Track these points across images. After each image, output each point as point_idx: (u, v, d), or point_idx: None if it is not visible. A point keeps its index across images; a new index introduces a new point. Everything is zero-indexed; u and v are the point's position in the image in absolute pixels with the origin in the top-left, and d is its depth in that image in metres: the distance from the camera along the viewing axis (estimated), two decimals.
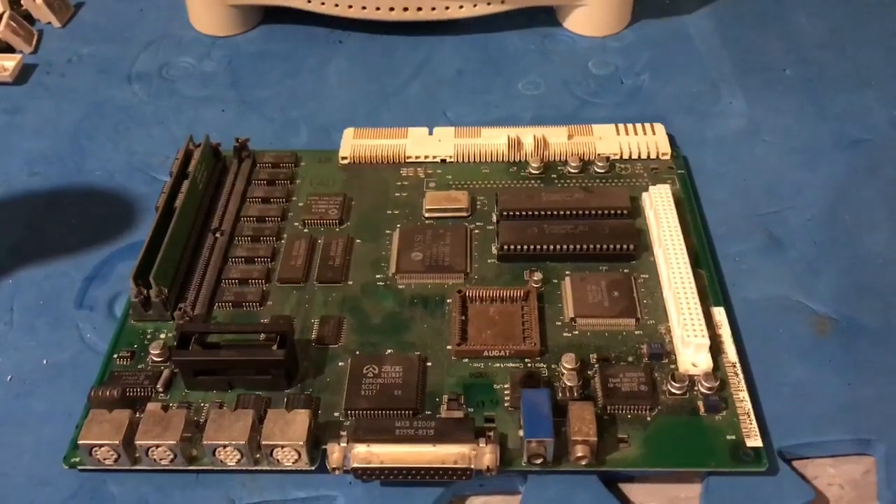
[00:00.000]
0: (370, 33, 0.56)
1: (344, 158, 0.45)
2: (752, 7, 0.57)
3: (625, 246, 0.39)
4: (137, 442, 0.32)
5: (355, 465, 0.31)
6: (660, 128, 0.45)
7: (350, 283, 0.39)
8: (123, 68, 0.54)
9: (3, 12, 0.55)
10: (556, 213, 0.40)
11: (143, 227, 0.43)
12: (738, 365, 0.35)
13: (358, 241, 0.41)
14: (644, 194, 0.42)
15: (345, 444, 0.31)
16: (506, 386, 0.34)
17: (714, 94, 0.50)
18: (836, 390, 0.35)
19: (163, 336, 0.37)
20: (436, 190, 0.43)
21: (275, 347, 0.34)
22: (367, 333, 0.37)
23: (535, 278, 0.38)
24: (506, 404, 0.34)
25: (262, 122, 0.49)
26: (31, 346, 0.38)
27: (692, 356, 0.35)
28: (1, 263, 0.42)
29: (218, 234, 0.41)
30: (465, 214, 0.42)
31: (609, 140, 0.45)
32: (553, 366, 0.35)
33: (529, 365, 0.35)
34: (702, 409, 0.33)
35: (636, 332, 0.36)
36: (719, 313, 0.37)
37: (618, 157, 0.44)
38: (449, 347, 0.36)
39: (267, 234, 0.41)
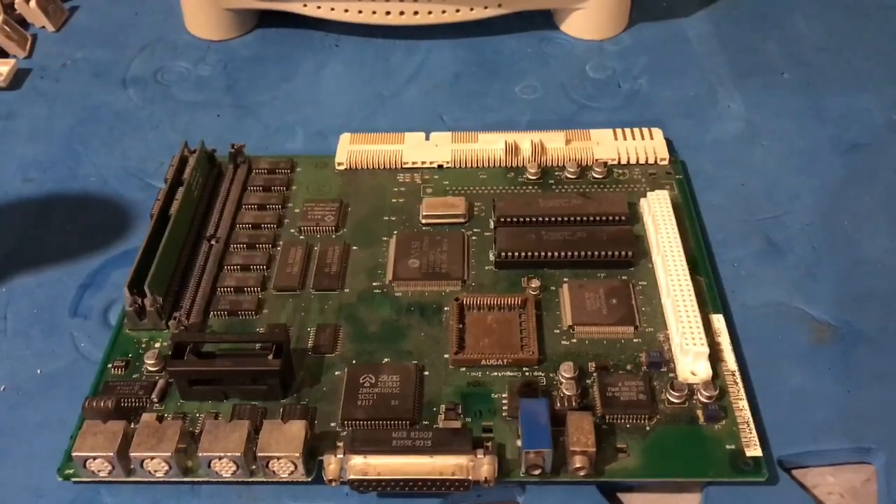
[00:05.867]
0: (366, 37, 0.56)
1: (340, 164, 0.45)
2: (750, 10, 0.57)
3: (623, 252, 0.39)
4: (132, 454, 0.31)
5: (352, 476, 0.31)
6: (658, 133, 0.45)
7: (346, 290, 0.39)
8: (118, 73, 0.53)
9: None
10: (553, 219, 0.40)
11: (137, 234, 0.43)
12: (737, 373, 0.35)
13: (354, 247, 0.41)
14: (642, 200, 0.42)
15: (341, 456, 0.31)
16: (504, 395, 0.34)
17: (712, 98, 0.50)
18: (836, 398, 0.35)
19: (158, 345, 0.36)
20: (433, 196, 0.43)
21: (270, 357, 0.34)
22: (363, 342, 0.37)
23: (533, 285, 0.38)
24: (504, 414, 0.34)
25: (257, 127, 0.49)
26: (24, 356, 0.38)
27: (691, 364, 0.35)
28: None
29: (213, 242, 0.40)
30: (462, 221, 0.42)
31: (607, 145, 0.44)
32: (551, 374, 0.35)
33: (527, 374, 0.35)
34: (701, 419, 0.33)
35: (634, 340, 0.36)
36: (718, 321, 0.37)
37: (615, 162, 0.44)
38: (446, 356, 0.36)
39: (263, 242, 0.41)
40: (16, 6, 0.56)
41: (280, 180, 0.44)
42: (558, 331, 0.37)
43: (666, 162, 0.44)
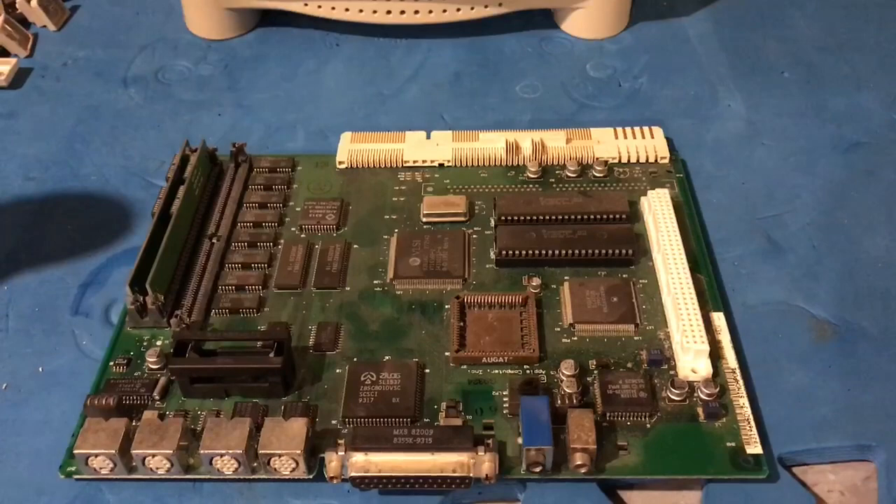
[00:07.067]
0: (367, 36, 0.56)
1: (341, 163, 0.45)
2: (750, 9, 0.57)
3: (623, 251, 0.39)
4: (134, 451, 0.31)
5: (353, 473, 0.31)
6: (658, 131, 0.45)
7: (348, 289, 0.39)
8: (119, 72, 0.53)
9: None
10: (554, 217, 0.40)
11: (139, 233, 0.43)
12: (737, 371, 0.35)
13: (355, 246, 0.41)
14: (643, 198, 0.42)
15: (343, 453, 0.31)
16: (504, 393, 0.34)
17: (712, 97, 0.50)
18: (836, 396, 0.35)
19: (159, 343, 0.37)
20: (434, 194, 0.43)
21: (272, 355, 0.34)
22: (364, 340, 0.37)
23: (534, 284, 0.38)
24: (504, 411, 0.34)
25: (258, 125, 0.49)
26: (26, 354, 0.38)
27: (691, 362, 0.35)
28: None
29: (214, 240, 0.41)
30: (463, 219, 0.42)
31: (607, 144, 0.45)
32: (552, 372, 0.35)
33: (528, 371, 0.35)
34: (701, 416, 0.33)
35: (635, 338, 0.36)
36: (718, 318, 0.37)
37: (616, 160, 0.44)
38: (447, 354, 0.36)
39: (264, 240, 0.41)
40: (17, 5, 0.56)
41: (281, 179, 0.44)
42: (559, 329, 0.37)
43: (666, 161, 0.44)
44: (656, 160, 0.44)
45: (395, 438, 0.31)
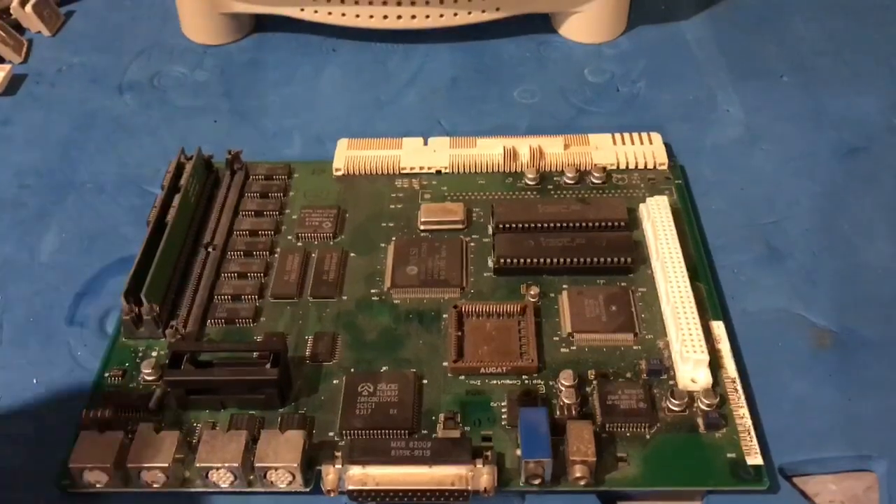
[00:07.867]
0: (364, 41, 0.55)
1: (338, 170, 0.45)
2: (749, 13, 0.57)
3: (622, 259, 0.39)
4: (129, 465, 0.31)
5: (350, 487, 0.31)
6: (656, 137, 0.45)
7: (344, 297, 0.39)
8: (114, 78, 0.53)
9: None
10: (552, 225, 0.40)
11: (134, 241, 0.42)
12: (737, 380, 0.35)
13: (352, 254, 0.40)
14: (641, 206, 0.41)
15: (340, 466, 0.31)
16: (503, 404, 0.34)
17: (711, 102, 0.50)
18: (837, 405, 0.35)
19: (155, 354, 0.36)
20: (431, 202, 0.43)
21: (268, 366, 0.34)
22: (361, 350, 0.36)
23: (532, 292, 0.38)
24: (503, 422, 0.33)
25: (254, 132, 0.49)
26: (21, 365, 0.37)
27: (691, 372, 0.34)
28: None
29: (210, 249, 0.40)
30: (460, 227, 0.41)
31: (606, 150, 0.44)
32: (551, 382, 0.35)
33: (527, 382, 0.35)
34: (701, 427, 0.33)
35: (634, 348, 0.36)
36: (718, 327, 0.37)
37: (614, 167, 0.44)
38: (445, 364, 0.36)
39: (260, 249, 0.40)
40: (11, 11, 0.56)
41: (277, 186, 0.44)
42: (558, 338, 0.36)
43: (665, 167, 0.44)
44: (655, 166, 0.44)
45: (392, 451, 0.31)
